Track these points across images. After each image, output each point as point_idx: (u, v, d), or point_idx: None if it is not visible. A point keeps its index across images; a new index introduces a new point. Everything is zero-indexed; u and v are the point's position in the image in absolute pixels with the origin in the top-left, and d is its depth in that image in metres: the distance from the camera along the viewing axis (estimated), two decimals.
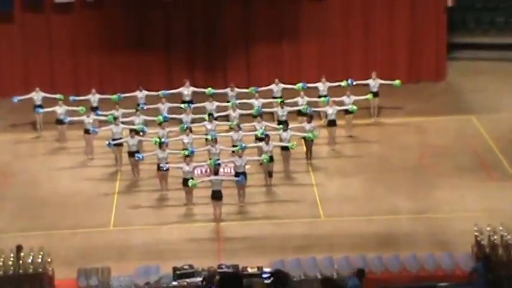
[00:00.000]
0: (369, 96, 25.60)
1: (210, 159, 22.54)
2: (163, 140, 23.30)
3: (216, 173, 21.28)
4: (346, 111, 25.35)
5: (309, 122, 23.85)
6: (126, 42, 28.81)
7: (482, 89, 28.54)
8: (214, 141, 22.84)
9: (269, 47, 29.09)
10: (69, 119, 25.06)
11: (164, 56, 29.05)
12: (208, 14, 28.86)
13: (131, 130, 23.55)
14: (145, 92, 25.79)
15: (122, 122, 24.39)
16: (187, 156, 22.30)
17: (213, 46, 29.06)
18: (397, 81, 26.33)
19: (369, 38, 29.22)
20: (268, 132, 23.46)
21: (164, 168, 22.36)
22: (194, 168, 21.94)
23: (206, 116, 24.45)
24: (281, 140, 23.35)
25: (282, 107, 24.71)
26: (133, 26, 28.77)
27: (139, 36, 28.87)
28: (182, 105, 25.52)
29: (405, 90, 28.54)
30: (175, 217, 21.83)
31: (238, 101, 25.30)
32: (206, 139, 23.67)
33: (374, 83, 26.32)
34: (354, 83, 26.23)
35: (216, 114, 24.72)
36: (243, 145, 22.79)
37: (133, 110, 25.10)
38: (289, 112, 25.01)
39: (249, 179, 22.33)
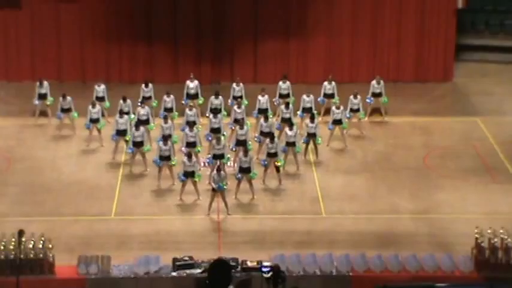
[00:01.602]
0: (361, 115, 25.54)
1: (213, 154, 22.60)
2: (167, 132, 23.42)
3: (218, 170, 21.33)
4: (354, 110, 25.52)
5: (312, 120, 23.92)
6: (133, 32, 28.85)
7: (489, 92, 28.52)
8: (217, 138, 22.86)
9: (277, 42, 29.12)
10: (62, 115, 25.21)
11: (171, 47, 29.03)
12: (217, 6, 28.90)
13: (136, 124, 23.48)
14: (172, 97, 25.16)
15: (127, 113, 24.53)
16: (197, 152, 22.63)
17: (220, 39, 29.09)
18: (385, 99, 26.40)
19: (377, 37, 29.22)
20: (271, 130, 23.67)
21: (157, 164, 22.48)
22: (195, 162, 22.02)
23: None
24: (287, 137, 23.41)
25: (287, 106, 24.77)
26: (140, 16, 28.78)
27: (147, 27, 28.91)
28: (183, 101, 25.65)
29: (411, 90, 28.68)
30: (177, 208, 21.98)
31: (235, 99, 25.31)
32: (212, 132, 23.80)
33: (378, 85, 26.33)
34: (370, 101, 26.23)
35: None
36: (250, 143, 23.09)
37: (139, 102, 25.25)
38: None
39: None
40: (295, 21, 29.10)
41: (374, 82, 26.48)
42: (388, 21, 29.16)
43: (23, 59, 28.94)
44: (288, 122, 24.31)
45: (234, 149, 23.54)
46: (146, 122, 24.55)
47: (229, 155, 23.10)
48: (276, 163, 22.93)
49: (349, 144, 25.19)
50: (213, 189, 21.32)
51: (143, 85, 26.10)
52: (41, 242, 18.95)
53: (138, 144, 23.36)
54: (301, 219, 21.53)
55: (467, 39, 30.45)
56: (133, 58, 29.12)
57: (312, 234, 20.82)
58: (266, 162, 22.94)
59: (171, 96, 25.41)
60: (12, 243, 18.66)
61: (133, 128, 23.43)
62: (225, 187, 21.38)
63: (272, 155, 22.88)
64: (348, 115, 25.42)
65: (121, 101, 25.11)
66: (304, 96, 25.51)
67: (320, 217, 21.64)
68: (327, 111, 25.90)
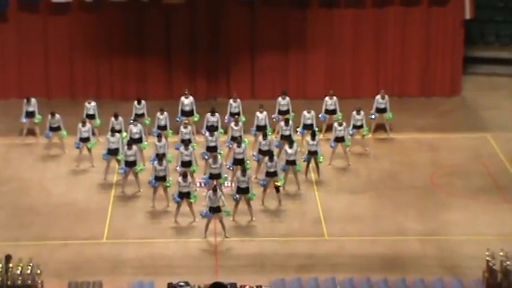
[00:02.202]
0: (365, 131, 25.62)
1: (210, 174, 22.69)
2: (161, 151, 23.51)
3: (215, 190, 21.34)
4: (357, 127, 25.61)
5: (313, 138, 23.96)
6: (125, 47, 28.96)
7: (499, 106, 28.55)
8: (214, 157, 22.91)
9: (275, 55, 29.20)
10: (50, 133, 25.34)
11: (165, 62, 29.15)
12: (212, 19, 28.96)
13: (129, 143, 23.50)
14: (166, 114, 25.23)
15: (118, 131, 24.63)
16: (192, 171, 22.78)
17: (216, 53, 29.17)
18: (390, 114, 26.50)
19: (380, 49, 29.25)
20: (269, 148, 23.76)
21: (152, 185, 22.55)
22: (190, 183, 22.04)
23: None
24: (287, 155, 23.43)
25: (287, 122, 24.82)
26: (133, 29, 28.88)
27: (139, 41, 29.01)
28: (178, 118, 25.77)
29: (417, 105, 28.75)
30: (172, 231, 22.00)
31: (233, 114, 25.43)
32: (208, 150, 23.91)
33: (383, 100, 26.40)
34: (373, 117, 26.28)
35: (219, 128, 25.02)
36: (248, 162, 23.17)
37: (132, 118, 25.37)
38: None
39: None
40: (294, 33, 29.17)
41: (378, 97, 26.53)
42: (392, 32, 29.22)
43: (9, 75, 29.00)
44: (287, 139, 24.31)
45: (231, 168, 23.59)
46: (139, 141, 24.59)
47: (226, 175, 23.16)
48: (275, 183, 22.90)
49: (352, 162, 25.22)
50: (210, 210, 21.34)
51: (135, 102, 26.11)
52: (29, 267, 18.90)
53: (130, 164, 23.37)
54: (303, 242, 21.52)
55: (476, 51, 30.50)
56: (125, 73, 29.25)
57: (314, 258, 20.80)
58: (265, 182, 22.92)
59: (165, 113, 25.48)
60: None
61: (126, 147, 23.42)
62: (227, 209, 21.43)
63: (271, 175, 22.86)
64: (350, 132, 25.48)
65: (112, 119, 25.17)
66: (305, 113, 25.56)
67: (322, 239, 21.63)
68: (329, 128, 26.00)
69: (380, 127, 26.85)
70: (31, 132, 26.18)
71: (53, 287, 19.09)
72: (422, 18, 29.14)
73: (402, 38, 29.32)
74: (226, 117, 25.91)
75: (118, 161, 24.14)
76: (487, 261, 19.27)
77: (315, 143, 24.01)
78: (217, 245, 21.43)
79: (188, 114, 26.20)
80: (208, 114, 25.41)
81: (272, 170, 22.88)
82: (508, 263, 19.06)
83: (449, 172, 24.90)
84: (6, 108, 28.01)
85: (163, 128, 25.38)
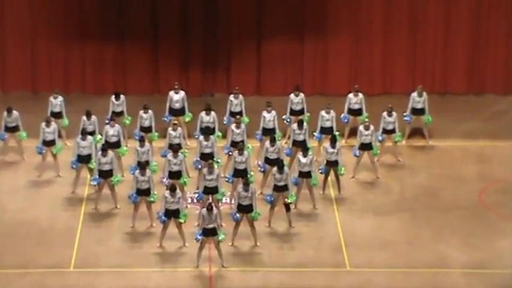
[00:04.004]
0: (397, 137, 25.66)
1: (204, 188, 22.71)
2: (144, 158, 23.60)
3: (210, 208, 21.32)
4: (387, 131, 25.65)
5: (333, 144, 23.95)
6: (100, 30, 29.03)
7: None
8: (209, 166, 22.82)
9: (287, 42, 29.27)
10: (5, 135, 25.43)
11: (150, 48, 29.24)
12: None
13: (104, 148, 23.46)
14: (150, 113, 25.44)
15: (91, 133, 24.60)
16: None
17: (214, 38, 29.19)
18: (429, 117, 26.59)
19: (418, 37, 29.35)
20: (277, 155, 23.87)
21: (133, 200, 22.65)
22: (180, 198, 22.04)
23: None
24: (300, 166, 23.48)
25: (301, 125, 24.83)
26: (110, 9, 28.95)
27: (118, 22, 29.06)
28: (165, 118, 25.96)
29: (463, 105, 28.79)
30: (157, 258, 21.92)
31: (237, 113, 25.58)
32: (200, 159, 23.96)
33: (420, 98, 26.49)
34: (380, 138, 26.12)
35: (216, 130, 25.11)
36: (252, 173, 23.27)
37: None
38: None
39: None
40: (310, 15, 29.21)
41: (415, 94, 26.62)
42: (433, 18, 29.29)
43: None
44: (301, 145, 24.33)
45: (231, 181, 23.57)
46: (116, 145, 24.66)
47: (224, 189, 23.11)
48: (285, 200, 22.93)
49: (381, 175, 25.29)
50: (204, 233, 21.31)
51: (113, 97, 26.18)
52: None
53: (105, 174, 23.38)
54: (319, 274, 21.50)
55: None
56: (100, 62, 29.31)
57: None
58: (273, 198, 22.96)
59: (150, 111, 25.54)
60: None
61: (100, 153, 23.45)
62: (222, 236, 21.42)
63: (280, 189, 22.88)
64: (380, 137, 25.53)
65: (84, 118, 25.19)
66: (323, 113, 25.62)
67: (343, 271, 21.64)
68: (353, 132, 26.06)
69: (416, 132, 26.92)
70: None
71: None
72: (470, 6, 29.22)
73: (446, 26, 29.35)
74: (225, 118, 26.04)
75: (90, 170, 24.12)
76: None
77: (335, 150, 24.02)
78: (213, 276, 21.33)
79: (178, 113, 26.23)
80: (203, 114, 25.40)
81: (281, 183, 22.87)
82: None
83: (502, 189, 24.93)
84: None
85: (147, 129, 25.42)
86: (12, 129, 25.54)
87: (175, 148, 23.66)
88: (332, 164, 24.08)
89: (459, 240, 22.70)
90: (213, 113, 25.36)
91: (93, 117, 25.24)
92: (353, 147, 25.37)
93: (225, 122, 25.82)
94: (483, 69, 29.68)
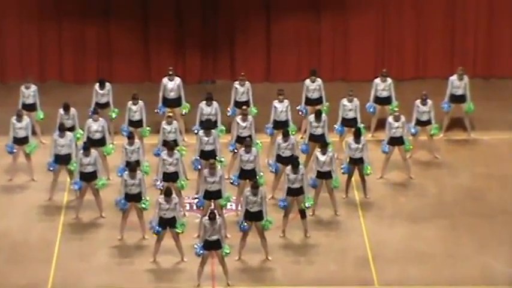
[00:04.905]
0: (434, 130, 25.72)
1: (205, 192, 22.63)
2: (134, 158, 23.63)
3: (212, 216, 21.22)
4: (421, 122, 25.57)
5: (357, 139, 23.89)
6: (81, 8, 29.16)
7: None
8: (211, 166, 22.79)
9: (301, 20, 29.42)
10: None
11: (140, 29, 29.44)
12: None
13: (86, 146, 23.51)
14: (141, 104, 25.53)
15: (70, 129, 24.63)
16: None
17: (215, 17, 29.33)
18: (471, 105, 26.65)
19: (456, 13, 29.46)
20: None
21: (121, 207, 22.72)
22: (176, 204, 22.06)
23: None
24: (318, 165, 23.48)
25: (318, 116, 24.79)
26: None
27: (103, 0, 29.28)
28: (158, 110, 26.18)
29: (511, 91, 28.82)
30: (150, 275, 21.88)
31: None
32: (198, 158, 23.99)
33: (460, 83, 26.54)
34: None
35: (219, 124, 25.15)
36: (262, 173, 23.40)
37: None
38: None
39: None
40: None
41: (454, 78, 26.74)
42: None
43: None
44: (319, 140, 24.31)
45: (236, 184, 23.49)
46: (101, 143, 24.68)
47: (228, 193, 22.94)
48: (301, 205, 22.85)
49: (415, 175, 25.30)
50: (206, 246, 21.21)
51: (97, 85, 26.34)
52: None
53: (88, 177, 23.48)
54: None
55: None
56: (81, 45, 29.48)
57: None
58: (286, 203, 22.87)
59: (140, 102, 25.64)
60: None
61: (81, 152, 23.51)
62: (227, 249, 21.41)
63: (295, 192, 22.82)
64: (412, 130, 25.57)
65: (61, 111, 25.22)
66: (345, 102, 25.68)
67: None
68: (380, 125, 26.17)
69: (456, 123, 26.99)
70: None
71: None
72: None
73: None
74: (229, 109, 26.15)
75: (70, 173, 24.20)
76: None
77: (359, 146, 24.05)
78: None
79: (173, 103, 26.35)
80: (203, 104, 25.44)
81: (296, 185, 22.82)
82: None
83: None
84: None
85: (136, 124, 25.49)
86: None
87: (170, 145, 23.63)
88: (356, 162, 24.10)
89: (508, 252, 22.64)
90: (214, 103, 25.41)
91: (73, 110, 25.28)
92: (381, 141, 25.37)
93: (229, 114, 25.97)
94: None
